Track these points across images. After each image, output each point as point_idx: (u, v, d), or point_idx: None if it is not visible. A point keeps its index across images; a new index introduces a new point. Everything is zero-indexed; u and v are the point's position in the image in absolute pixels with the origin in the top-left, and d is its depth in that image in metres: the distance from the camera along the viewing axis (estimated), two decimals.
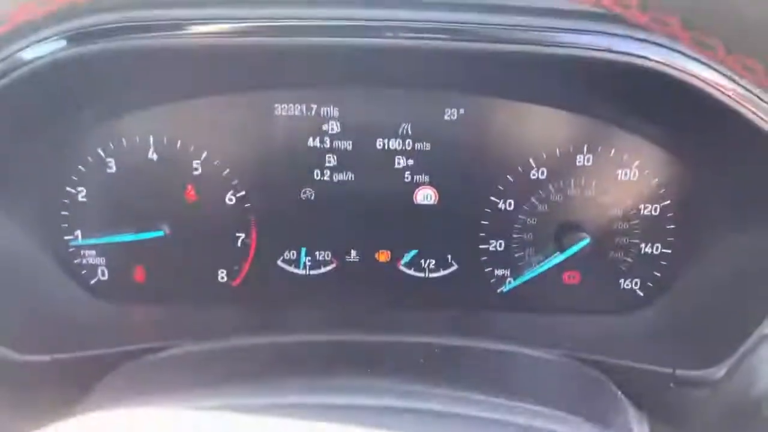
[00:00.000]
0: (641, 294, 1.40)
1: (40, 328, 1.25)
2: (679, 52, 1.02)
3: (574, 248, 1.32)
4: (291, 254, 1.41)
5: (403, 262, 1.42)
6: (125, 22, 1.05)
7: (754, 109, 1.03)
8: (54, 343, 1.21)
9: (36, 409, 1.09)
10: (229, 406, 0.82)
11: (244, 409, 0.81)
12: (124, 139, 1.31)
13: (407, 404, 0.84)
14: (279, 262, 1.41)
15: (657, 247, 1.37)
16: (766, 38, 0.41)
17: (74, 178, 1.33)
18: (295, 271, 1.42)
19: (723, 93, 1.03)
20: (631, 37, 1.04)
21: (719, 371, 1.11)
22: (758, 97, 1.01)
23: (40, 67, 1.05)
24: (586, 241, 1.32)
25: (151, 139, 1.31)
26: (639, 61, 1.04)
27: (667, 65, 1.03)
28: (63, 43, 1.05)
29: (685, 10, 0.42)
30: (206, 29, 1.08)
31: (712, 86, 1.03)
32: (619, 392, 1.09)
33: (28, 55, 1.04)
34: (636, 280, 1.40)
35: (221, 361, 1.11)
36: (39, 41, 1.04)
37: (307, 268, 1.42)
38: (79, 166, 1.32)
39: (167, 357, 1.15)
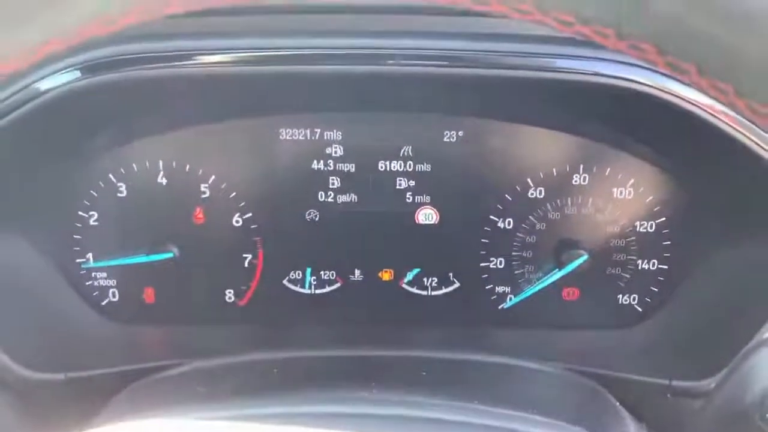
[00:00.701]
0: (639, 309, 1.42)
1: (53, 348, 1.28)
2: (664, 74, 1.06)
3: (573, 265, 1.35)
4: (296, 274, 1.43)
5: (405, 280, 1.44)
6: (137, 53, 1.10)
7: (738, 128, 1.07)
8: (67, 362, 1.24)
9: (50, 426, 1.11)
10: (236, 417, 0.85)
11: (251, 418, 0.84)
12: (134, 164, 1.34)
13: (409, 413, 0.87)
14: (285, 282, 1.44)
15: (654, 263, 1.40)
16: (734, 60, 0.45)
17: (86, 202, 1.36)
18: (301, 290, 1.44)
19: (709, 112, 1.07)
20: (619, 61, 1.08)
21: (714, 381, 1.13)
22: (744, 116, 1.05)
23: (55, 97, 1.09)
24: (584, 257, 1.35)
25: (161, 163, 1.34)
26: (627, 84, 1.08)
27: (655, 87, 1.07)
28: (78, 73, 1.09)
29: (659, 37, 0.46)
30: (214, 59, 1.13)
31: (699, 106, 1.07)
32: (618, 403, 1.12)
33: (44, 85, 1.08)
34: (634, 295, 1.42)
35: (229, 376, 1.14)
36: (54, 72, 1.08)
37: (313, 287, 1.44)
38: (91, 191, 1.35)
39: (175, 375, 1.17)
